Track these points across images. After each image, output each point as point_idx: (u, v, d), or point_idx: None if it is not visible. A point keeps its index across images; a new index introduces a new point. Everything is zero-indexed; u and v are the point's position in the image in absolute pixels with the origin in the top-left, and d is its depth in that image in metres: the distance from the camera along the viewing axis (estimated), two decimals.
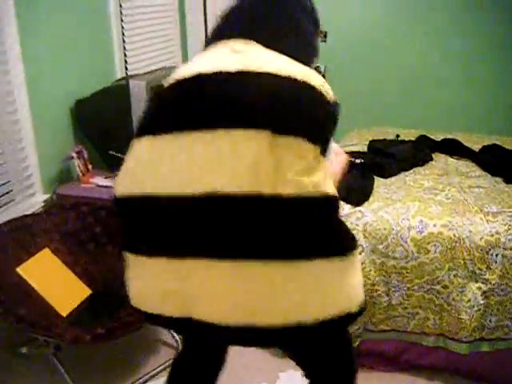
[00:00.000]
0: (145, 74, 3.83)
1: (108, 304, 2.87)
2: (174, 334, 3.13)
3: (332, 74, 5.47)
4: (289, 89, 1.54)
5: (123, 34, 4.18)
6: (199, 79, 1.59)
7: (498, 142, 4.02)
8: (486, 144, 3.98)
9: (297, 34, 1.75)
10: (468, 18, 5.05)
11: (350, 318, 1.62)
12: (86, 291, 2.95)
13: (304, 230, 1.53)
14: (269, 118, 1.50)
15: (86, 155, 3.53)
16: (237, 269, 1.50)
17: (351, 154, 3.68)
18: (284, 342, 1.78)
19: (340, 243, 1.61)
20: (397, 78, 5.38)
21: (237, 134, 1.49)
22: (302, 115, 1.53)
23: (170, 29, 5.02)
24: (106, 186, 3.45)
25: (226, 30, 1.78)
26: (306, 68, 1.61)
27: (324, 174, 1.56)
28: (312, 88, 1.55)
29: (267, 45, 1.65)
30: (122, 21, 4.14)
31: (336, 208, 1.61)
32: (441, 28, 5.13)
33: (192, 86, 1.60)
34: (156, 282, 1.62)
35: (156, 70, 4.01)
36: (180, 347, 3.07)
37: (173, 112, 1.61)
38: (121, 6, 4.12)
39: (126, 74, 4.19)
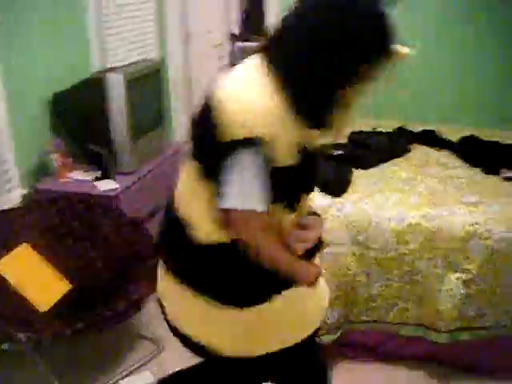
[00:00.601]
0: (123, 66, 3.80)
1: (88, 298, 2.85)
2: (155, 328, 3.11)
3: None
4: (202, 119, 1.61)
5: (102, 26, 4.13)
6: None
7: (476, 134, 4.04)
8: (464, 135, 4.00)
9: (306, 72, 1.52)
10: (449, 9, 5.06)
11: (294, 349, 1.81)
12: (65, 286, 2.93)
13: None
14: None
15: (64, 149, 3.49)
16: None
17: (332, 146, 3.69)
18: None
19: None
20: None
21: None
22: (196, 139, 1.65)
23: (148, 21, 4.98)
24: (85, 181, 3.42)
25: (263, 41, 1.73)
26: (248, 99, 1.51)
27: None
28: (211, 115, 1.53)
29: (269, 62, 1.60)
30: (100, 13, 4.09)
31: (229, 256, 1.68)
32: (422, 17, 5.12)
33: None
34: None
35: (134, 63, 3.98)
36: (161, 342, 3.06)
37: None
38: None
39: (105, 66, 4.15)
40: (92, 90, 3.48)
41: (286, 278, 1.72)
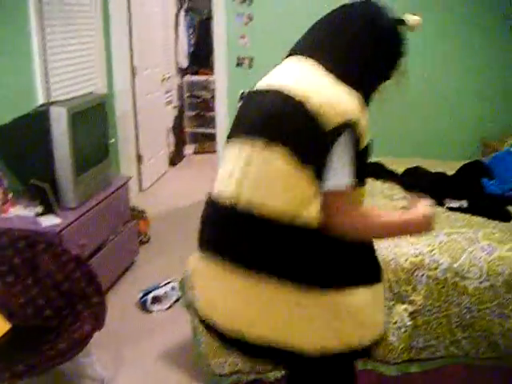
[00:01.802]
0: (67, 100, 3.75)
1: (29, 338, 2.75)
2: (98, 369, 3.03)
3: None
4: (280, 109, 1.70)
5: (45, 59, 4.08)
6: (252, 94, 1.92)
7: (421, 165, 4.10)
8: (408, 167, 4.05)
9: (354, 61, 1.77)
10: None
11: (354, 354, 1.79)
12: (5, 325, 2.81)
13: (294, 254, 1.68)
14: (260, 131, 1.72)
15: (5, 184, 3.41)
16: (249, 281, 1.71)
17: None
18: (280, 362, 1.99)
19: (342, 276, 1.73)
20: None
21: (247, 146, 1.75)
22: (286, 132, 1.68)
23: (95, 54, 4.95)
24: (27, 216, 3.34)
25: (298, 43, 1.97)
26: (325, 92, 1.66)
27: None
28: (303, 110, 1.63)
29: (320, 62, 1.76)
30: (44, 46, 4.04)
31: (325, 239, 1.68)
32: None
33: (248, 99, 1.94)
34: None
35: (79, 97, 3.94)
36: (105, 381, 2.98)
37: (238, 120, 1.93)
38: (43, 30, 4.03)
39: (48, 100, 4.09)
40: (35, 123, 3.43)
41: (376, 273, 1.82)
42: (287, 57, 1.98)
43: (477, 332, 2.74)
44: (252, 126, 1.77)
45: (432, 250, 2.76)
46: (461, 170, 3.94)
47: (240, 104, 1.96)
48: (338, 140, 1.61)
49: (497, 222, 3.10)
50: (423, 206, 1.83)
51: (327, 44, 1.81)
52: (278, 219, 1.64)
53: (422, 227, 1.81)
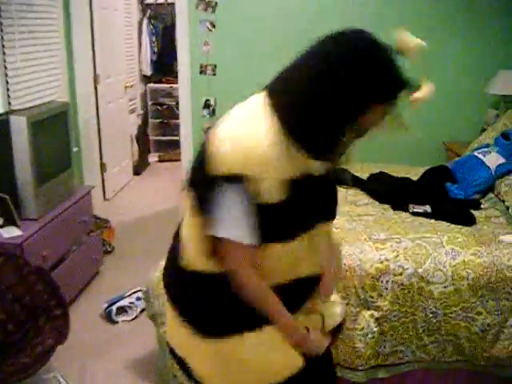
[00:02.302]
0: (29, 108, 3.70)
1: None
2: (63, 381, 2.96)
3: (220, 106, 5.49)
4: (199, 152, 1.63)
5: (5, 67, 4.01)
6: None
7: (386, 170, 4.12)
8: (373, 172, 4.07)
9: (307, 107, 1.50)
10: None
11: None
12: None
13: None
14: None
15: None
16: None
17: None
18: None
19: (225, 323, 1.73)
20: None
21: None
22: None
23: (56, 62, 4.88)
24: None
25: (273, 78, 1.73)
26: (238, 135, 1.54)
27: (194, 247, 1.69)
28: (206, 149, 1.57)
29: (270, 97, 1.62)
30: (3, 54, 3.98)
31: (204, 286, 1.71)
32: None
33: None
34: None
35: (41, 105, 3.88)
36: None
37: None
38: (2, 38, 3.96)
39: (9, 108, 4.02)
40: None
41: (262, 316, 1.70)
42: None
43: (443, 336, 2.75)
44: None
45: (397, 256, 2.76)
46: (425, 175, 3.97)
47: None
48: (225, 189, 1.51)
49: (461, 226, 3.12)
50: (301, 329, 1.78)
51: (286, 75, 1.63)
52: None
53: (288, 338, 1.74)
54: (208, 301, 1.71)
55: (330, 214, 1.84)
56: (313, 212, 1.69)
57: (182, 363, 1.85)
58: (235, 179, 1.49)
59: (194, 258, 1.68)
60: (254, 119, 1.58)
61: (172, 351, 1.90)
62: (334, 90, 1.45)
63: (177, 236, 1.84)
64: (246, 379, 1.75)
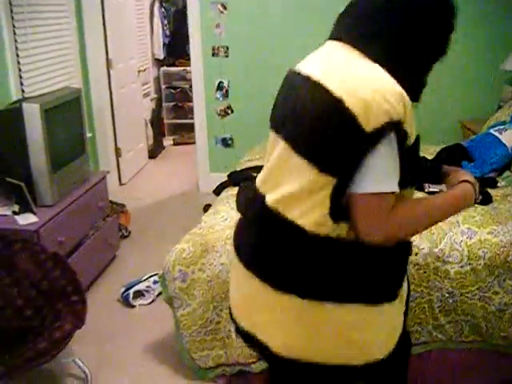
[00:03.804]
0: (41, 95, 3.70)
1: (8, 339, 2.71)
2: (82, 365, 3.00)
3: (234, 88, 5.47)
4: (322, 113, 1.54)
5: (17, 55, 4.02)
6: (296, 80, 1.72)
7: None
8: None
9: (403, 44, 1.58)
10: None
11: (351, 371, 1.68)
12: None
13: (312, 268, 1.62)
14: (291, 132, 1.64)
15: None
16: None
17: (255, 168, 3.67)
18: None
19: (354, 291, 1.63)
20: None
21: (286, 151, 1.65)
22: (324, 143, 1.55)
23: (68, 48, 4.88)
24: (3, 215, 3.29)
25: (336, 27, 1.74)
26: (370, 85, 1.50)
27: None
28: (341, 109, 1.49)
29: (362, 49, 1.59)
30: (15, 41, 3.98)
31: (343, 251, 1.60)
32: None
33: (289, 85, 1.79)
34: None
35: (54, 92, 3.88)
36: (89, 378, 2.95)
37: (274, 107, 1.83)
38: (14, 26, 3.96)
39: (23, 96, 4.03)
40: (8, 120, 3.37)
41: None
42: (329, 39, 1.78)
43: (460, 316, 2.74)
44: (285, 123, 1.68)
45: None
46: (441, 154, 3.93)
47: (282, 84, 1.88)
48: (380, 142, 1.46)
49: (476, 205, 3.09)
50: (464, 174, 1.79)
51: (369, 25, 1.60)
52: (300, 225, 1.59)
53: (469, 198, 1.72)
54: (331, 267, 1.60)
55: None
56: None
57: (251, 338, 1.77)
58: (393, 125, 1.47)
59: (317, 221, 1.56)
60: (370, 72, 1.55)
61: (240, 329, 1.83)
62: (429, 23, 1.59)
63: (264, 216, 1.72)
64: (340, 353, 1.67)
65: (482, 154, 3.74)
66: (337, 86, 1.52)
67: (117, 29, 5.86)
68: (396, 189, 1.51)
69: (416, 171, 1.67)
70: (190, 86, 6.09)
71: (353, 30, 1.63)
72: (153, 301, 3.78)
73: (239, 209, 1.97)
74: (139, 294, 3.78)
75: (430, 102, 5.20)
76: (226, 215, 3.07)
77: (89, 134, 5.03)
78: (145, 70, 7.08)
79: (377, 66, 1.54)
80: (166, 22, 7.85)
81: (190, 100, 6.42)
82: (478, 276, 2.69)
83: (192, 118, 6.03)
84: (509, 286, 2.69)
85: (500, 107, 4.72)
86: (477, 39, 5.11)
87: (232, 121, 5.62)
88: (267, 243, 1.70)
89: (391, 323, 1.74)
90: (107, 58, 5.66)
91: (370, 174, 1.48)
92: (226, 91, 5.50)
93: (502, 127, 3.88)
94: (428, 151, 4.07)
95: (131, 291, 3.74)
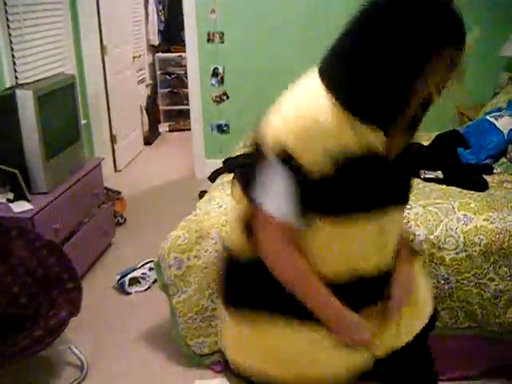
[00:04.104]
0: (35, 82, 3.67)
1: (5, 327, 2.71)
2: (78, 353, 3.00)
3: (229, 74, 5.45)
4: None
5: (11, 41, 3.98)
6: None
7: None
8: None
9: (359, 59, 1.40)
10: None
11: None
12: None
13: None
14: None
15: None
16: None
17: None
18: None
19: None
20: (293, 76, 5.36)
21: None
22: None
23: (62, 34, 4.84)
24: None
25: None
26: (289, 106, 1.48)
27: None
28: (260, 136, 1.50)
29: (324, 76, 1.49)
30: (8, 27, 3.94)
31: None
32: (335, 28, 5.16)
33: None
34: None
35: (47, 78, 3.85)
36: (85, 366, 2.95)
37: None
38: (7, 12, 3.92)
39: (16, 82, 4.00)
40: (1, 107, 3.34)
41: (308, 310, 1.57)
42: None
43: (455, 303, 2.74)
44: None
45: (408, 222, 2.74)
46: (436, 140, 3.92)
47: None
48: (272, 163, 1.42)
49: (473, 191, 3.09)
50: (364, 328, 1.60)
51: (332, 48, 1.50)
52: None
53: (344, 328, 1.58)
54: (249, 285, 1.65)
55: (400, 197, 1.64)
56: (377, 193, 1.51)
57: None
58: (284, 154, 1.40)
59: (234, 241, 1.66)
60: (308, 97, 1.49)
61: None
62: (389, 38, 1.34)
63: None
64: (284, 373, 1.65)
65: (478, 141, 3.73)
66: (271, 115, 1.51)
67: (111, 15, 5.82)
68: (283, 217, 1.46)
69: (334, 205, 1.48)
70: (185, 72, 6.05)
71: (323, 60, 1.53)
72: (148, 288, 3.78)
73: None
74: (135, 281, 3.78)
75: None
76: (221, 202, 3.06)
77: (83, 121, 5.01)
78: (140, 56, 7.04)
79: (318, 89, 1.46)
80: (160, 7, 7.81)
81: (186, 86, 6.40)
82: (473, 263, 2.69)
83: (187, 104, 6.01)
84: (504, 273, 2.68)
85: (496, 93, 4.71)
86: (474, 25, 5.07)
87: (227, 107, 5.60)
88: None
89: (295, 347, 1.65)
90: (102, 44, 5.63)
91: (262, 187, 1.47)
92: (222, 77, 5.47)
93: (498, 113, 3.87)
94: (423, 137, 4.06)
95: (127, 278, 3.74)
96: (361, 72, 1.39)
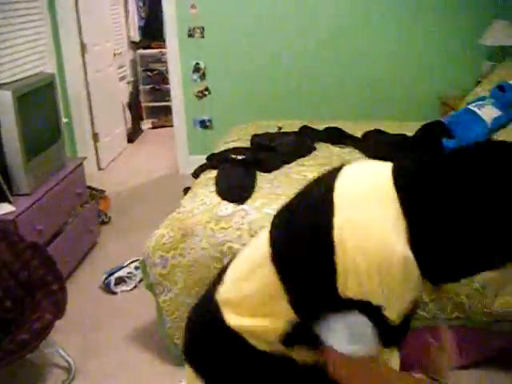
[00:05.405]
0: (13, 82, 3.62)
1: None
2: (65, 355, 2.96)
3: (210, 69, 5.42)
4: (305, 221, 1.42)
5: None
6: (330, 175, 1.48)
7: (381, 127, 4.07)
8: (368, 130, 4.02)
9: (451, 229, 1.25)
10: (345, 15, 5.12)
11: None
12: None
13: None
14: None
15: None
16: None
17: (233, 150, 3.64)
18: None
19: None
20: (275, 70, 5.35)
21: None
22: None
23: (41, 33, 4.79)
24: None
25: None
26: (371, 246, 1.25)
27: None
28: (328, 253, 1.29)
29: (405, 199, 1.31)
30: None
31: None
32: (316, 21, 5.15)
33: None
34: None
35: (26, 78, 3.80)
36: (73, 367, 2.92)
37: None
38: None
39: None
40: None
41: None
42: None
43: (443, 293, 2.74)
44: (278, 213, 1.53)
45: None
46: (421, 131, 3.92)
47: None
48: (347, 310, 1.30)
49: None
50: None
51: (430, 185, 1.29)
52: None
53: None
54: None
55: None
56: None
57: None
58: (368, 307, 1.27)
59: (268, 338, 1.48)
60: (387, 229, 1.27)
61: None
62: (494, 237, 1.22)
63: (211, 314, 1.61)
64: None
65: (462, 130, 3.73)
66: (340, 221, 1.30)
67: (90, 12, 5.76)
68: (362, 353, 1.35)
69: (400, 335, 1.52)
70: (167, 69, 6.01)
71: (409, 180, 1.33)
72: (135, 287, 3.75)
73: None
74: (121, 281, 3.75)
75: (408, 79, 5.20)
76: (205, 199, 3.03)
77: (65, 120, 4.97)
78: (120, 52, 6.98)
79: (403, 235, 1.28)
80: (140, 3, 7.75)
81: (168, 82, 6.35)
82: None
83: (170, 101, 5.97)
84: None
85: (479, 82, 4.71)
86: (456, 14, 5.08)
87: (210, 102, 5.57)
88: (204, 340, 1.64)
89: None
90: (81, 42, 5.57)
91: (343, 336, 1.33)
92: (203, 72, 5.44)
93: (480, 103, 3.87)
94: (407, 128, 4.06)
95: (113, 278, 3.71)
96: (453, 252, 1.28)
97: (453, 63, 5.20)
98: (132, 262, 3.85)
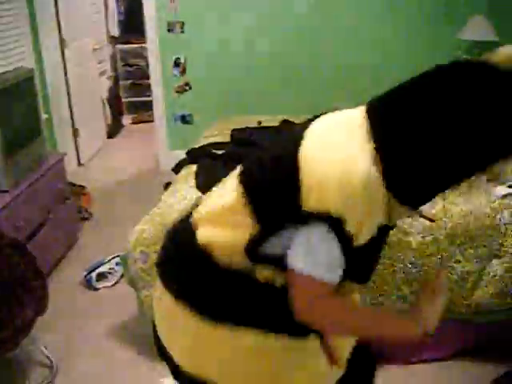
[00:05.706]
0: None
1: None
2: (46, 352, 2.95)
3: (191, 64, 5.40)
4: (273, 154, 1.52)
5: None
6: (284, 124, 1.63)
7: None
8: None
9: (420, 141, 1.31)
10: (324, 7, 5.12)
11: None
12: None
13: None
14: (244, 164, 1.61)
15: None
16: None
17: (213, 144, 3.64)
18: None
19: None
20: (256, 65, 5.35)
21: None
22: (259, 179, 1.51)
23: (19, 28, 4.74)
24: None
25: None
26: (333, 165, 1.32)
27: None
28: (292, 173, 1.37)
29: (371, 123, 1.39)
30: None
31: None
32: (300, 18, 5.15)
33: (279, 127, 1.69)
34: None
35: (5, 73, 3.77)
36: (55, 364, 2.91)
37: None
38: None
39: None
40: None
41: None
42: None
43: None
44: (251, 155, 1.60)
45: None
46: None
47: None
48: (309, 225, 1.35)
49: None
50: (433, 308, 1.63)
51: (395, 103, 1.38)
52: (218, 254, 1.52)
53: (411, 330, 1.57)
54: (230, 291, 1.54)
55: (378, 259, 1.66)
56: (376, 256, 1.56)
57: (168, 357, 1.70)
58: (328, 219, 1.31)
59: (236, 261, 1.50)
60: (351, 149, 1.34)
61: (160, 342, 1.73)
62: (465, 141, 1.27)
63: (186, 232, 1.64)
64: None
65: None
66: (307, 153, 1.38)
67: (69, 7, 5.72)
68: (332, 280, 1.39)
69: (368, 269, 1.55)
70: (147, 63, 5.99)
71: (378, 105, 1.43)
72: (116, 282, 3.74)
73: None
74: (102, 277, 3.74)
75: (384, 74, 5.21)
76: (185, 193, 3.03)
77: (45, 115, 4.93)
78: (100, 47, 6.94)
79: (368, 153, 1.33)
80: None
81: (148, 77, 6.33)
82: (439, 245, 2.71)
83: (150, 96, 5.96)
84: (470, 255, 2.71)
85: None
86: (433, 8, 5.11)
87: (190, 97, 5.56)
88: (174, 252, 1.70)
89: (301, 362, 1.60)
90: (60, 37, 5.53)
91: (302, 251, 1.38)
92: (184, 67, 5.42)
93: None
94: None
95: (94, 274, 3.70)
96: (422, 161, 1.33)
97: (431, 57, 5.15)
98: (113, 258, 3.85)
